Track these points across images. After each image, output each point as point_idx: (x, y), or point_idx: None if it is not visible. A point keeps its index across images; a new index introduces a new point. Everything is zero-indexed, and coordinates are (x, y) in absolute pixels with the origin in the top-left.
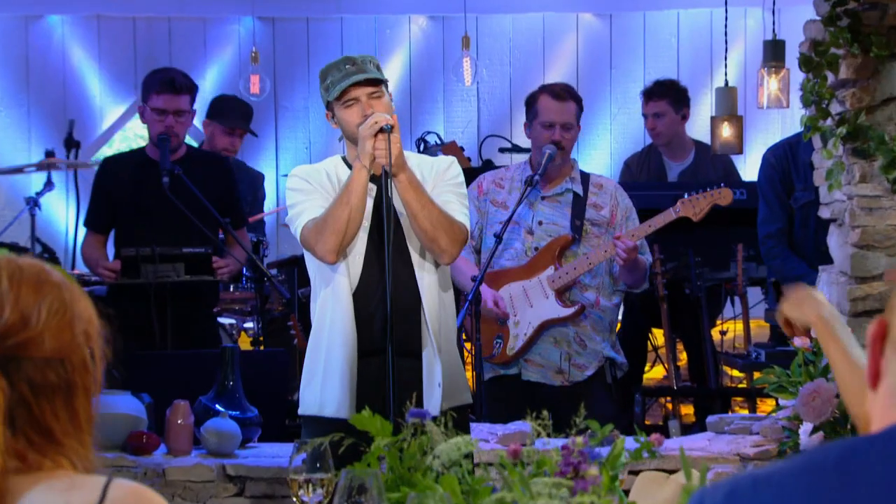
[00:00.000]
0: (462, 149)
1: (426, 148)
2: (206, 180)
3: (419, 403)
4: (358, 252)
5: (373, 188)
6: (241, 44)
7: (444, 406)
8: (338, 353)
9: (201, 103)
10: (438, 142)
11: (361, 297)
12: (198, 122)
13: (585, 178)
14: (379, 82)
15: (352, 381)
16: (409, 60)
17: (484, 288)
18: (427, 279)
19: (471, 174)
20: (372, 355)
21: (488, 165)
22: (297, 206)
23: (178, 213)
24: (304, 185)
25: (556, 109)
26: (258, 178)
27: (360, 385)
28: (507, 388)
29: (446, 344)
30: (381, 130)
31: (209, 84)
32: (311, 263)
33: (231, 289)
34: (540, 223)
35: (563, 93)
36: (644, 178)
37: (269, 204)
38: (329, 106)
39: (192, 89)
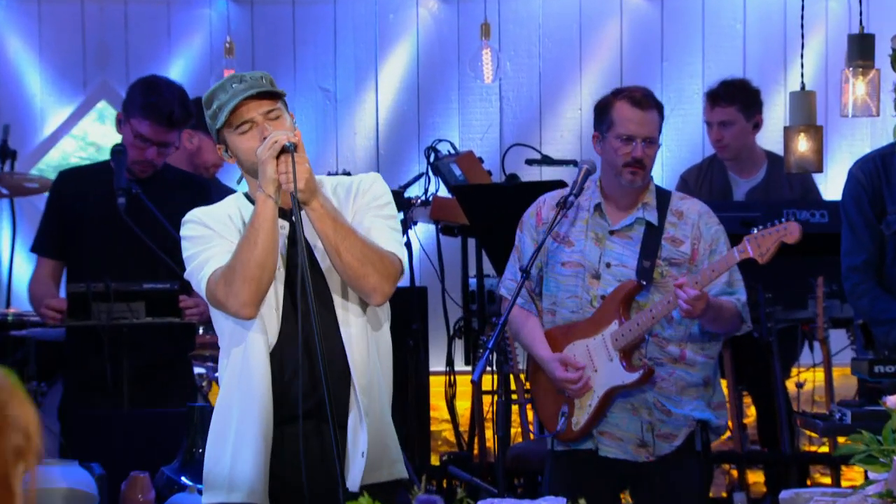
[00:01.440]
0: (481, 160)
1: (437, 159)
2: (180, 205)
3: (337, 477)
4: (273, 302)
5: (285, 225)
6: (213, 32)
7: (367, 480)
8: (252, 424)
9: None
10: (452, 151)
11: (279, 355)
12: None
13: (663, 200)
14: (275, 97)
15: (266, 456)
16: (416, 52)
17: (543, 352)
18: (353, 326)
19: (493, 195)
20: (291, 423)
21: (513, 181)
22: (197, 256)
23: (139, 241)
24: (202, 230)
25: (637, 119)
26: None
27: (275, 459)
28: (580, 464)
29: (377, 406)
30: (284, 150)
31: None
32: (220, 320)
33: (201, 331)
34: (608, 265)
35: (644, 99)
36: (704, 196)
37: None
38: (219, 136)
39: (187, 122)
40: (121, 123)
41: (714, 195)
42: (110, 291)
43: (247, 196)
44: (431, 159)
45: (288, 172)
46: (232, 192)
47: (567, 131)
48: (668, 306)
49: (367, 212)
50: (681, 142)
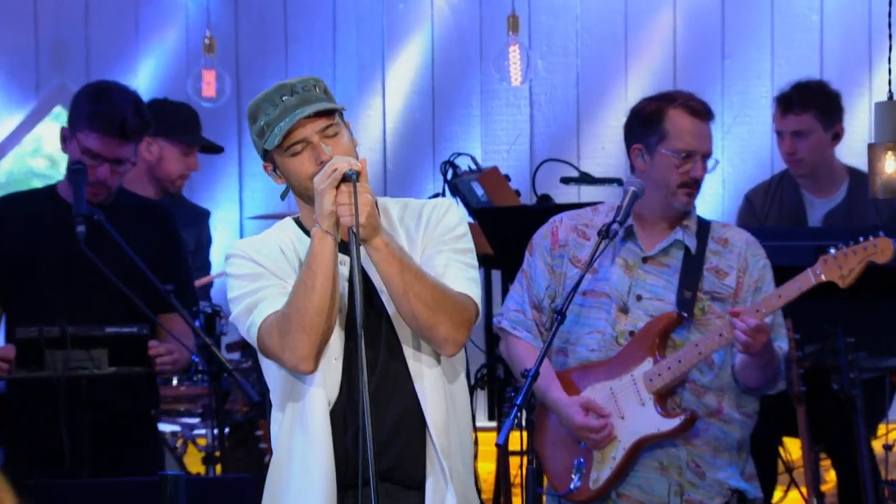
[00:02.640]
0: (507, 178)
1: (455, 176)
2: (142, 238)
3: None
4: (333, 351)
5: (346, 261)
6: (190, 27)
7: None
8: (312, 490)
9: None
10: (473, 167)
11: (341, 412)
12: None
13: (704, 226)
14: (332, 112)
15: None
16: (430, 50)
17: (559, 394)
18: (427, 378)
19: (522, 219)
20: (355, 488)
21: (545, 202)
22: (245, 298)
23: (101, 277)
24: (250, 267)
25: (697, 133)
26: (201, 217)
27: None
28: None
29: (460, 466)
30: (345, 179)
31: (143, 84)
32: (271, 370)
33: (175, 382)
34: (639, 298)
35: (703, 109)
36: (774, 219)
37: (221, 261)
38: (267, 156)
39: (143, 133)
40: (66, 140)
41: (785, 218)
42: (67, 337)
43: (298, 223)
44: (449, 177)
45: (348, 205)
46: (202, 212)
47: (609, 143)
48: (718, 341)
49: (440, 246)
50: (745, 155)
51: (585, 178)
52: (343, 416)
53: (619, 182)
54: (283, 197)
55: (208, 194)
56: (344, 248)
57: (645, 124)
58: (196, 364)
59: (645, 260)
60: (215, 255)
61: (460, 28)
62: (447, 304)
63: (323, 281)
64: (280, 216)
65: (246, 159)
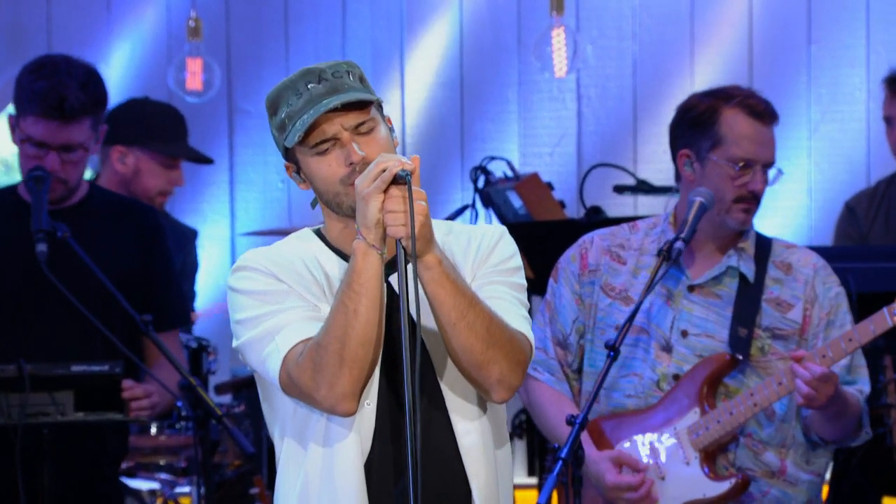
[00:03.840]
0: (550, 186)
1: (488, 184)
2: (118, 244)
3: None
4: (365, 395)
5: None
6: (172, 7)
7: None
8: None
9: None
10: (509, 174)
11: (375, 468)
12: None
13: (764, 247)
14: (367, 105)
15: None
16: (458, 33)
17: (587, 447)
18: (474, 433)
19: (567, 235)
20: None
21: (595, 216)
22: (260, 321)
23: (67, 306)
24: (267, 282)
25: (758, 137)
26: (187, 238)
27: None
28: None
29: None
30: (396, 181)
31: (115, 75)
32: (284, 418)
33: (154, 431)
34: (684, 333)
35: (766, 111)
36: (879, 233)
37: (210, 287)
38: (289, 154)
39: (96, 108)
40: (13, 130)
41: (893, 232)
42: (25, 377)
43: (320, 235)
44: (480, 185)
45: (399, 212)
46: (188, 232)
47: None
48: (777, 390)
49: (492, 277)
50: (835, 158)
51: (643, 187)
52: (378, 473)
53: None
54: (313, 205)
55: (193, 206)
56: (388, 265)
57: (694, 126)
58: (179, 409)
59: (691, 289)
60: (202, 282)
61: (494, 7)
62: (503, 340)
63: (368, 304)
64: (281, 232)
65: (238, 165)
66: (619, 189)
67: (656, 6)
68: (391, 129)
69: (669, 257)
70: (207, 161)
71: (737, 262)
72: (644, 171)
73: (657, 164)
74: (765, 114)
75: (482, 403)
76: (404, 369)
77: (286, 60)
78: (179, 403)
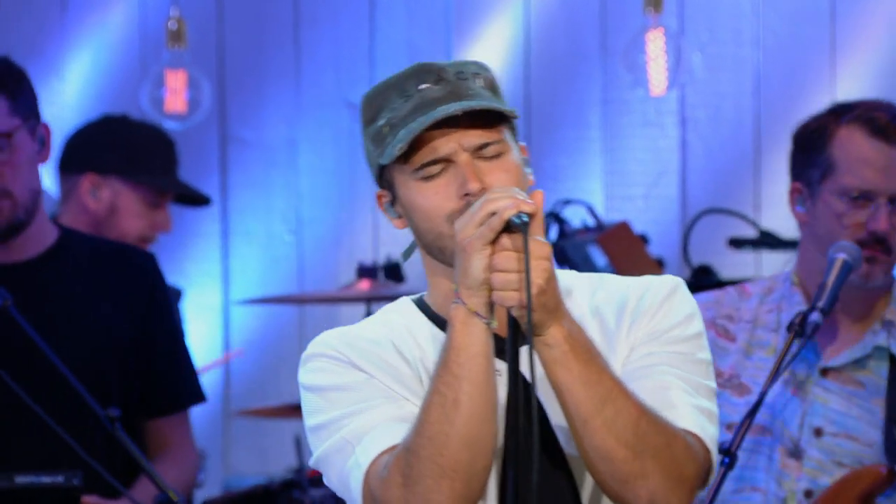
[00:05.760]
0: (644, 238)
1: (562, 236)
2: (110, 310)
3: None
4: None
5: (500, 368)
6: (146, 3)
7: None
8: None
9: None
10: (590, 223)
11: None
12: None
13: None
14: (498, 120)
15: None
16: (522, 38)
17: None
18: None
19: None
20: None
21: (705, 278)
22: (339, 427)
23: (12, 398)
24: (345, 374)
25: (881, 162)
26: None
27: None
28: None
29: None
30: (509, 228)
31: (73, 92)
32: None
33: None
34: (818, 432)
35: (891, 124)
36: None
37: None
38: (384, 177)
39: (4, 81)
40: None
41: None
42: None
43: (421, 305)
44: (552, 236)
45: (511, 272)
46: (171, 292)
47: None
48: None
49: (654, 349)
50: None
51: (768, 240)
52: None
53: None
54: (405, 256)
55: (173, 265)
56: (500, 341)
57: (804, 152)
58: None
59: (824, 372)
60: None
61: (571, 3)
62: (659, 446)
63: (472, 392)
64: (290, 300)
65: (234, 211)
66: (737, 243)
67: (786, 4)
68: (526, 161)
69: (803, 333)
70: (203, 201)
71: (886, 341)
72: (769, 219)
73: (786, 209)
74: (888, 128)
75: None
76: (532, 479)
77: (296, 74)
78: None
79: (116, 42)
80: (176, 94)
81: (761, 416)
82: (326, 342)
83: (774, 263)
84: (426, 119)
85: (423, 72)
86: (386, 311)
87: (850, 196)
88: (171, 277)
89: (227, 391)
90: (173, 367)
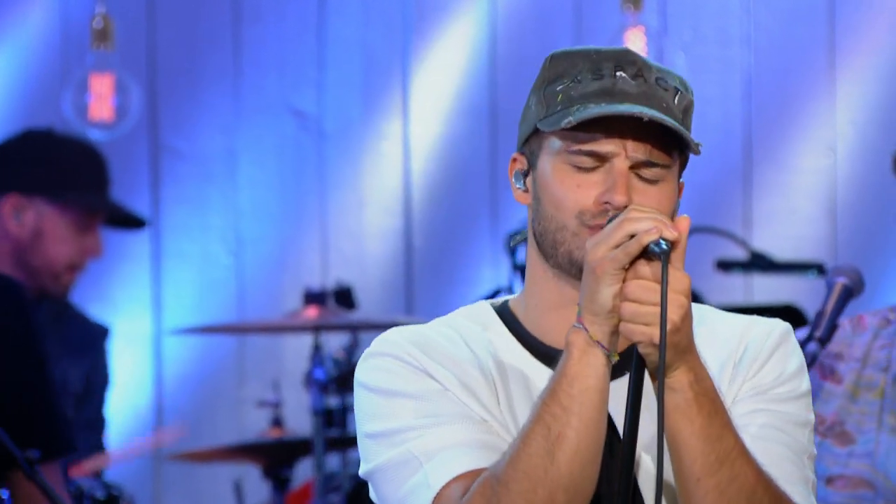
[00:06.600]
0: None
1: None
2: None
3: None
4: None
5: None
6: (68, 1)
7: None
8: None
9: None
10: None
11: None
12: None
13: None
14: (675, 147)
15: None
16: (487, 38)
17: None
18: None
19: None
20: None
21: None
22: (402, 439)
23: None
24: (416, 379)
25: None
26: (95, 339)
27: None
28: None
29: None
30: (646, 254)
31: None
32: None
33: None
34: None
35: None
36: None
37: (126, 412)
38: (531, 141)
39: None
40: None
41: None
42: None
43: (504, 314)
44: (520, 258)
45: (646, 305)
46: (97, 330)
47: (804, 198)
48: None
49: (760, 405)
50: None
51: (759, 262)
52: None
53: (818, 269)
54: (513, 242)
55: (101, 292)
56: (617, 371)
57: None
58: None
59: None
60: (116, 404)
61: (541, 1)
62: None
63: (581, 429)
64: (229, 329)
65: (167, 230)
66: (725, 265)
67: (790, 7)
68: (679, 194)
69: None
70: (138, 224)
71: None
72: (761, 238)
73: (779, 227)
74: None
75: None
76: None
77: (236, 77)
78: None
79: (35, 42)
80: (102, 100)
81: (865, 469)
82: (397, 342)
83: (767, 288)
84: (612, 109)
85: (626, 59)
86: (465, 314)
87: None
88: (96, 305)
89: (158, 432)
90: (36, 411)
